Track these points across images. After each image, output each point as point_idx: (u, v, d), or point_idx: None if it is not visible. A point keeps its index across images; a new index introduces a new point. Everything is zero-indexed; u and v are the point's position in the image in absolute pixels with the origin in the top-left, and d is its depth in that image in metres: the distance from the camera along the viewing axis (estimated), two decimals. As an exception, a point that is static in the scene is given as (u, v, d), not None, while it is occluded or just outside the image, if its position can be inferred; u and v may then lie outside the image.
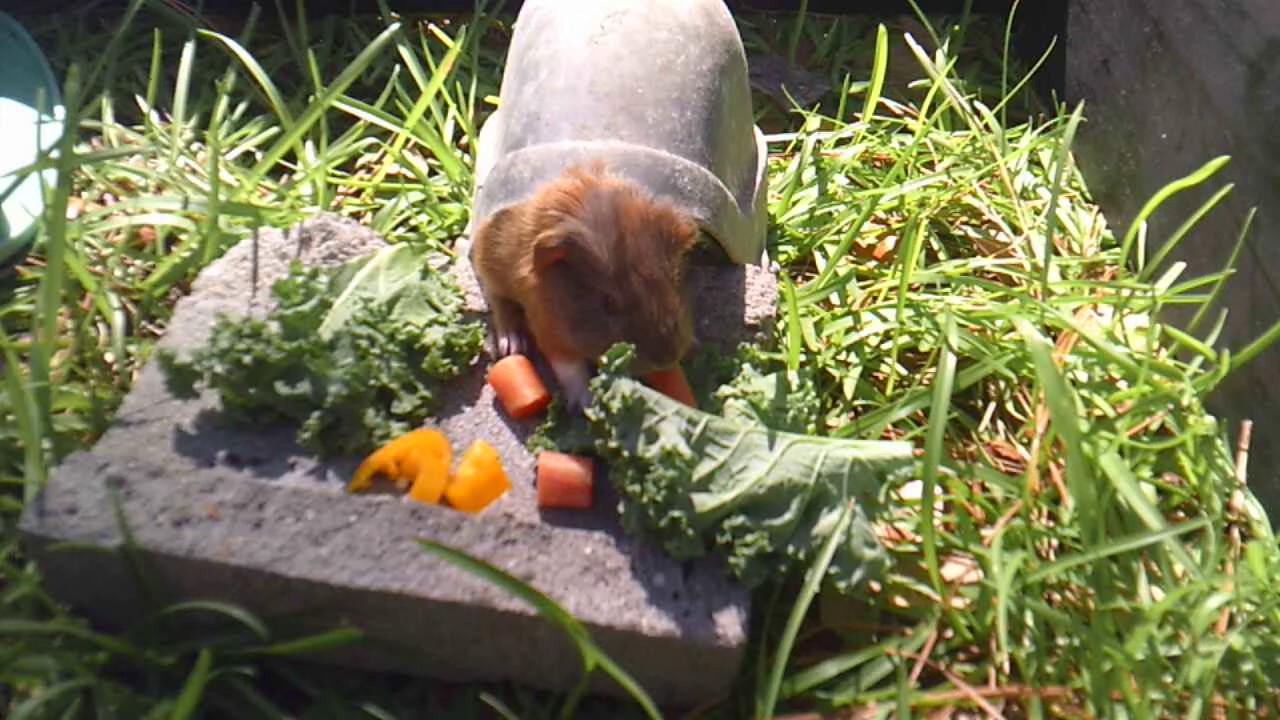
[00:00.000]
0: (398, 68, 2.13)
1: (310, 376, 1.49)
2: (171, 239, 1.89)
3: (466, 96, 2.19)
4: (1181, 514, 1.64)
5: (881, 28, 2.12)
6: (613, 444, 1.36)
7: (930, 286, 1.96)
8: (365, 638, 1.33)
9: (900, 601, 1.51)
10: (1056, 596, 1.49)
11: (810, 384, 1.55)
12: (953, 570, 1.54)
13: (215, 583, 1.31)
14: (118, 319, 1.70)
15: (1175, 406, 1.61)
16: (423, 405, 1.55)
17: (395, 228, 2.00)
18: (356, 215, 2.04)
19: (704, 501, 1.36)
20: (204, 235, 1.76)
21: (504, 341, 1.62)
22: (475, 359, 1.63)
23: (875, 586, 1.50)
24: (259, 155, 2.08)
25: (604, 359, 1.39)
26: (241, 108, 2.22)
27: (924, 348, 1.83)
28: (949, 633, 1.47)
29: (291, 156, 2.13)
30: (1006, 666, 1.42)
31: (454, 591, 1.30)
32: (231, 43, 1.99)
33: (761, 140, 1.96)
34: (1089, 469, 1.35)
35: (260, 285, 1.69)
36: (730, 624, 1.31)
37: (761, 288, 1.72)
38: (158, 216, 1.83)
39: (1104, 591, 1.36)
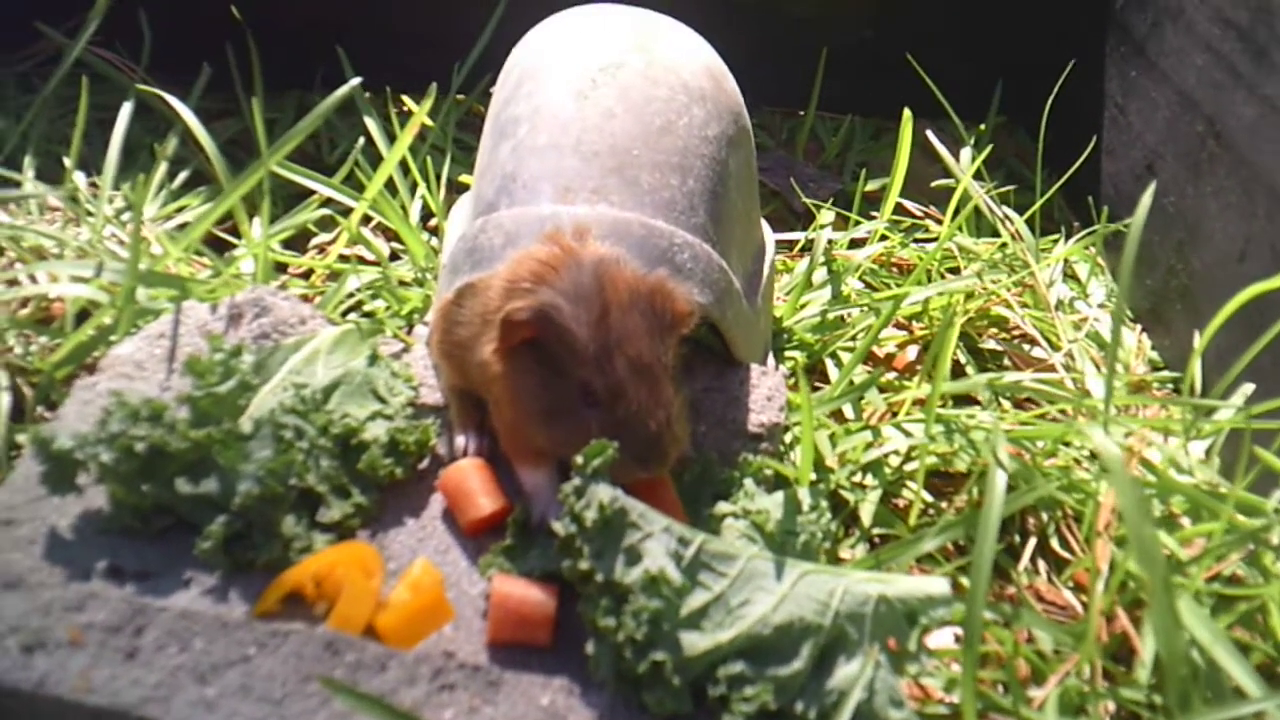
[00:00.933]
0: (361, 140, 1.91)
1: (218, 472, 1.22)
2: (85, 315, 1.64)
3: (439, 177, 1.97)
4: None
5: (907, 112, 1.91)
6: (584, 565, 1.09)
7: (958, 401, 1.71)
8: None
9: (927, 776, 1.22)
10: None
11: (824, 504, 1.29)
12: (993, 740, 1.26)
13: (69, 727, 1.03)
14: (3, 400, 1.44)
15: (1257, 546, 1.35)
16: (355, 514, 1.28)
17: (345, 311, 1.75)
18: (305, 299, 1.79)
19: (695, 642, 1.09)
20: (118, 308, 1.51)
21: (460, 440, 1.36)
22: (425, 461, 1.37)
23: (899, 757, 1.21)
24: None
25: (579, 459, 1.13)
26: (183, 176, 1.99)
27: (955, 470, 1.58)
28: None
29: (236, 233, 1.89)
30: None
31: (372, 750, 1.02)
32: (173, 100, 1.77)
33: (769, 233, 1.73)
34: (1172, 617, 1.08)
35: (177, 367, 1.43)
36: (723, 803, 1.03)
37: (768, 391, 1.47)
38: (69, 286, 1.58)
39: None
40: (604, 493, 1.11)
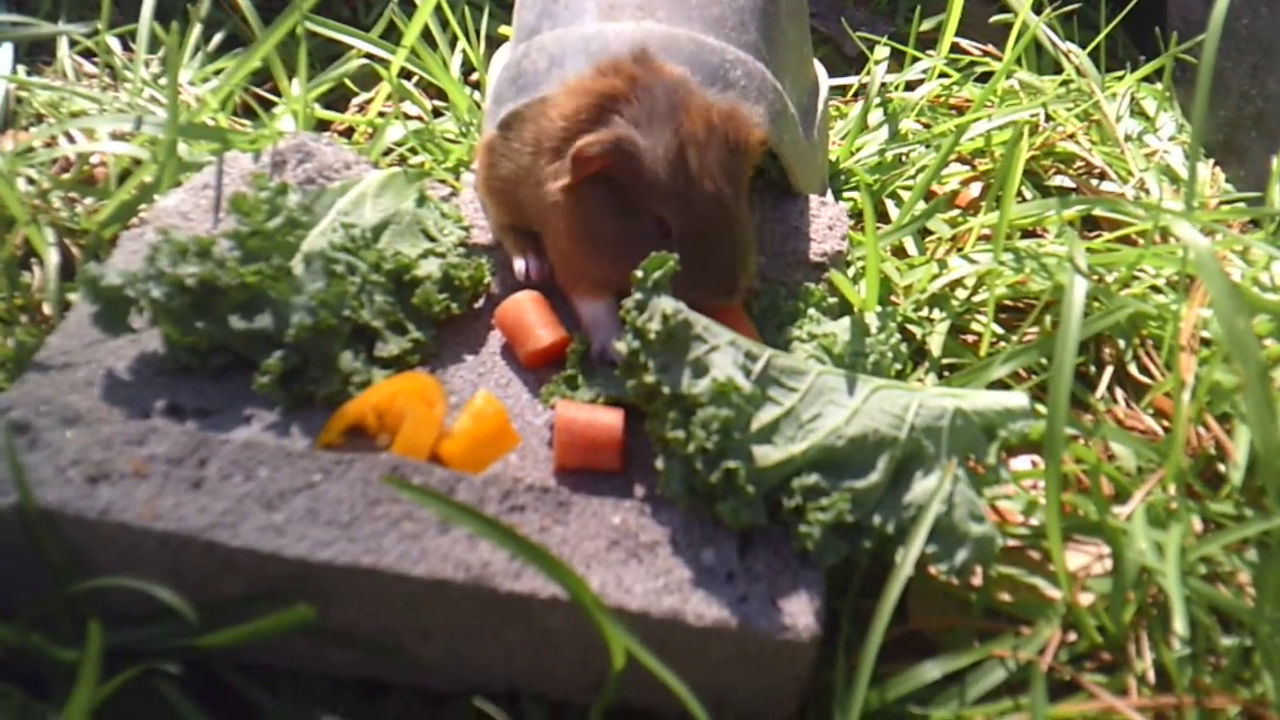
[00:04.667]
0: (398, -8, 1.85)
1: (272, 306, 1.20)
2: (128, 177, 1.60)
3: (478, 33, 1.91)
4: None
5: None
6: (650, 379, 1.05)
7: (1025, 237, 1.65)
8: (331, 631, 1.03)
9: (1005, 597, 1.19)
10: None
11: (893, 325, 1.25)
12: (1073, 560, 1.22)
13: (138, 555, 1.02)
14: (52, 256, 1.41)
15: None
16: (413, 349, 1.25)
17: (388, 159, 1.71)
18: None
19: (766, 454, 1.06)
20: (161, 162, 1.48)
21: (520, 264, 1.32)
22: (480, 300, 1.34)
23: (977, 576, 1.18)
24: (236, 95, 1.79)
25: (639, 273, 1.09)
26: (218, 39, 1.94)
27: (1025, 303, 1.52)
28: (1071, 635, 1.15)
29: (276, 94, 1.85)
30: (1151, 675, 1.11)
31: (443, 568, 1.00)
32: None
33: (823, 73, 1.66)
34: (1269, 408, 1.03)
35: (224, 217, 1.40)
36: (800, 612, 1.01)
37: (829, 220, 1.42)
38: (109, 143, 1.55)
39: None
40: (667, 304, 1.07)
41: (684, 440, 1.03)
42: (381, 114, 1.82)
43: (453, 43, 1.89)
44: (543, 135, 1.23)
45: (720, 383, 1.03)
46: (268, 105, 1.85)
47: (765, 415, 1.08)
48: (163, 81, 1.77)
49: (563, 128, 1.21)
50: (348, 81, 1.85)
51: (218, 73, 1.84)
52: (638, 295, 1.08)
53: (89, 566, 1.03)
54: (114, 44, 1.83)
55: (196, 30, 1.84)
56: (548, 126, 1.23)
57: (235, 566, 1.01)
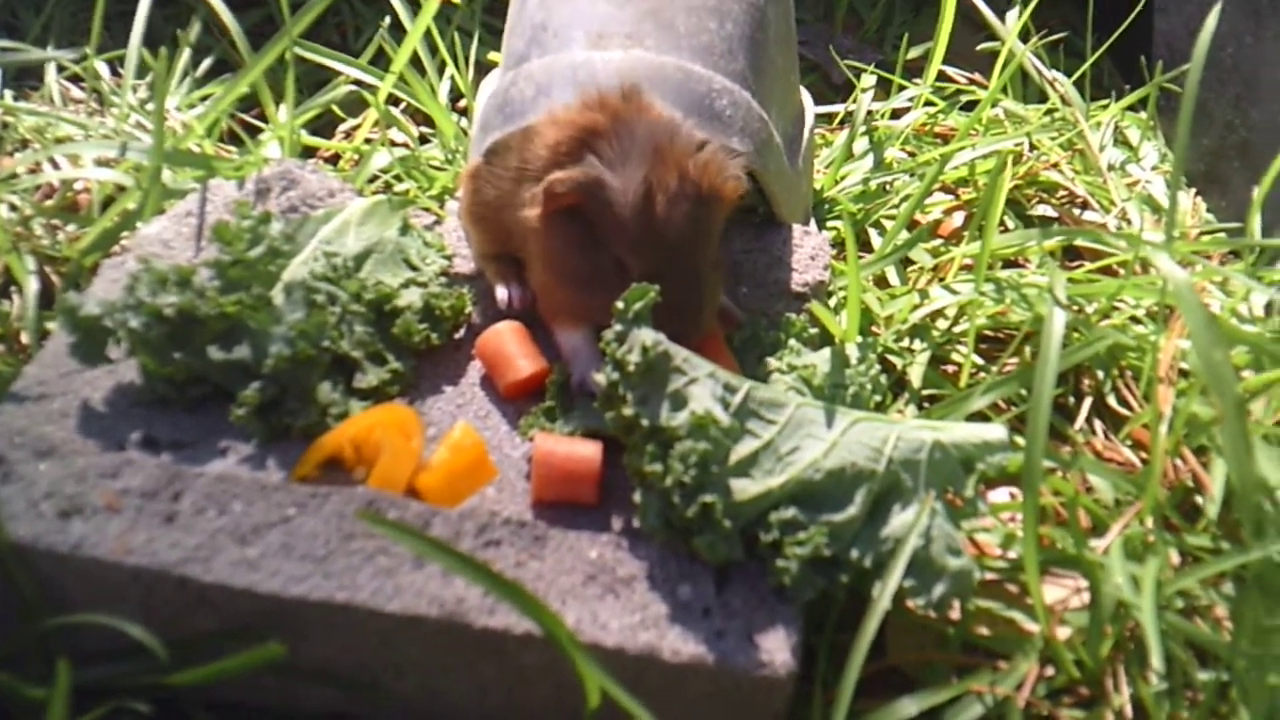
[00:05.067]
0: (387, 19, 1.85)
1: (250, 337, 1.19)
2: (112, 204, 1.60)
3: (467, 59, 1.91)
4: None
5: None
6: (629, 411, 1.05)
7: (1006, 267, 1.65)
8: (304, 668, 1.03)
9: (983, 631, 1.19)
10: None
11: (872, 357, 1.25)
12: (1050, 593, 1.22)
13: (110, 590, 1.02)
14: (31, 285, 1.41)
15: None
16: (392, 380, 1.25)
17: (373, 185, 1.71)
18: (333, 180, 1.75)
19: (744, 488, 1.05)
20: (145, 189, 1.47)
21: (502, 293, 1.32)
22: (461, 330, 1.34)
23: (955, 610, 1.18)
24: (223, 121, 1.79)
25: (620, 304, 1.09)
26: (206, 64, 1.94)
27: (1005, 333, 1.52)
28: (1049, 669, 1.15)
29: (263, 120, 1.85)
30: (1129, 710, 1.10)
31: (417, 604, 1.00)
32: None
33: (809, 100, 1.66)
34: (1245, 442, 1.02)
35: (206, 245, 1.40)
36: (777, 649, 1.01)
37: (811, 250, 1.42)
38: (93, 170, 1.54)
39: (1269, 603, 1.04)
40: (646, 336, 1.07)
41: (662, 473, 1.03)
42: (368, 140, 1.82)
43: (441, 69, 1.89)
44: (526, 163, 1.24)
45: (699, 415, 1.03)
46: (254, 131, 1.85)
47: (743, 448, 1.08)
48: (149, 107, 1.77)
49: (544, 157, 1.21)
50: (335, 108, 1.85)
51: (205, 98, 1.84)
52: (618, 327, 1.08)
53: (60, 601, 1.02)
54: (102, 69, 1.83)
55: (185, 55, 1.84)
56: (531, 155, 1.23)
57: (208, 602, 1.01)
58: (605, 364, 1.08)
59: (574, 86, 1.25)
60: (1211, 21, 1.35)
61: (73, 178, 1.60)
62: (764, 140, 1.33)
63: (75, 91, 1.83)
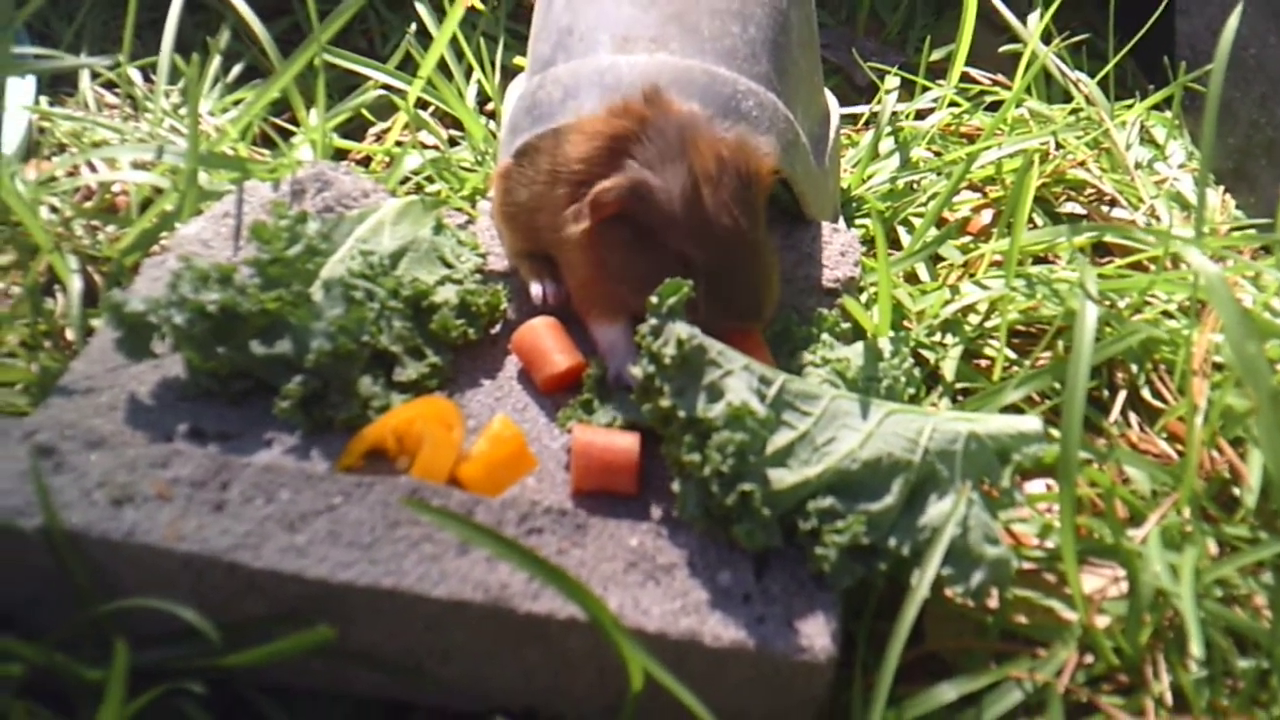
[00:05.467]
0: (413, 25, 1.87)
1: (291, 332, 1.21)
2: (149, 206, 1.63)
3: (493, 64, 1.94)
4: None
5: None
6: (665, 403, 1.07)
7: (1036, 264, 1.66)
8: (352, 652, 1.05)
9: (1021, 619, 1.20)
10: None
11: (906, 350, 1.26)
12: (1089, 583, 1.23)
13: (162, 576, 1.03)
14: (75, 283, 1.43)
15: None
16: (431, 374, 1.27)
17: (405, 186, 1.73)
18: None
19: (782, 478, 1.07)
20: (182, 191, 1.50)
21: (536, 289, 1.34)
22: (497, 326, 1.35)
23: (993, 598, 1.19)
24: (255, 125, 1.82)
25: (653, 299, 1.11)
26: (236, 70, 1.97)
27: (1037, 327, 1.53)
28: (1088, 657, 1.15)
29: (294, 124, 1.87)
30: (1169, 697, 1.11)
31: (463, 589, 1.01)
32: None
33: (833, 101, 1.68)
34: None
35: (244, 245, 1.42)
36: (817, 634, 1.02)
37: (841, 247, 1.43)
38: (130, 172, 1.57)
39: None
40: (681, 329, 1.08)
41: (700, 463, 1.05)
42: (398, 143, 1.84)
43: (468, 73, 1.91)
44: (558, 168, 1.25)
45: (735, 407, 1.05)
46: (286, 135, 1.87)
47: (780, 439, 1.09)
48: (183, 112, 1.80)
49: (578, 170, 1.23)
50: (365, 112, 1.87)
51: (237, 103, 1.87)
52: (653, 320, 1.10)
53: (113, 588, 1.04)
54: (135, 75, 1.85)
55: (216, 62, 1.87)
56: (563, 161, 1.25)
57: (257, 587, 1.03)
58: (641, 357, 1.10)
59: (601, 89, 1.27)
60: (1234, 22, 1.36)
61: (110, 180, 1.63)
62: (790, 140, 1.35)
63: (109, 97, 1.86)
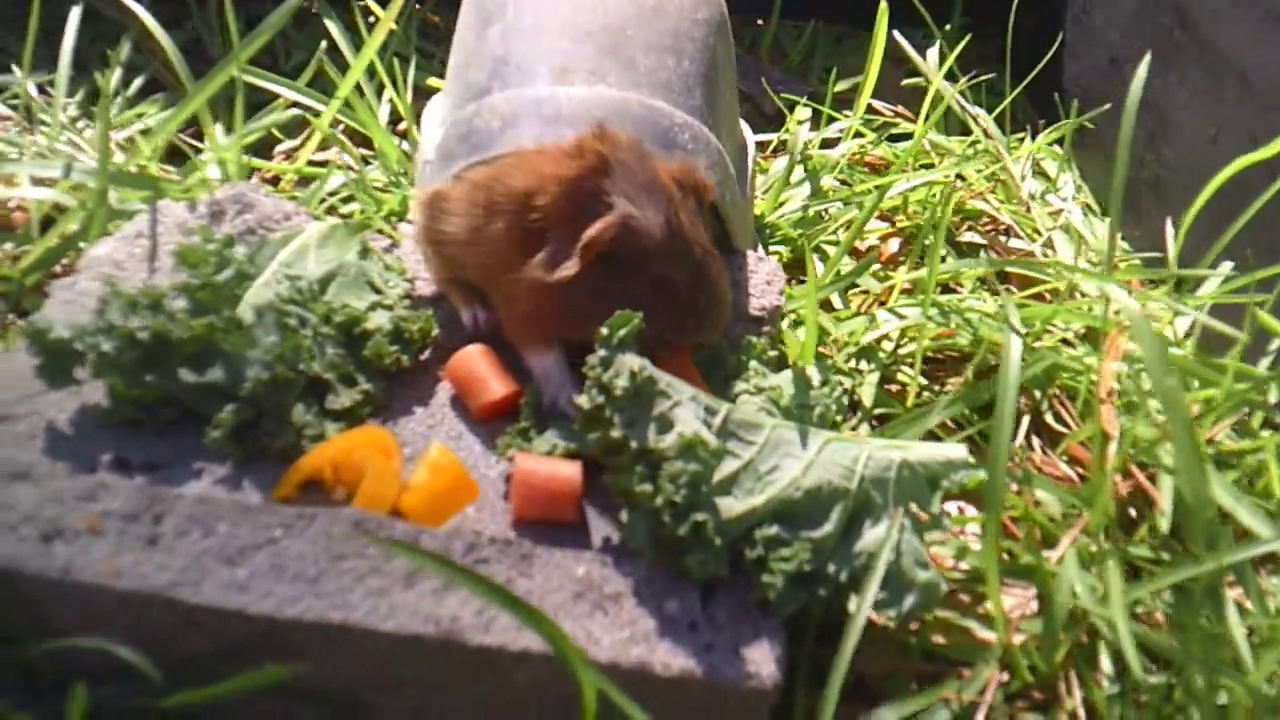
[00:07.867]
0: (324, 43, 1.84)
1: (224, 359, 1.19)
2: (50, 224, 1.57)
3: (405, 83, 1.92)
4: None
5: (883, 4, 1.90)
6: (616, 434, 1.08)
7: (944, 291, 1.72)
8: (297, 687, 1.02)
9: (938, 639, 1.24)
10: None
11: (834, 378, 1.29)
12: (1003, 602, 1.28)
13: (97, 614, 1.00)
14: (-28, 303, 1.38)
15: (1252, 409, 1.39)
16: (364, 401, 1.25)
17: (322, 206, 1.70)
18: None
19: (729, 507, 1.09)
20: (90, 210, 1.45)
21: (468, 315, 1.34)
22: (426, 351, 1.34)
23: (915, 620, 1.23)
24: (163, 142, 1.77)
25: (604, 331, 1.11)
26: (138, 83, 1.91)
27: (947, 355, 1.59)
28: (1004, 675, 1.20)
29: (199, 139, 1.83)
30: (1081, 712, 1.17)
31: (412, 623, 1.01)
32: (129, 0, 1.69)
33: (748, 131, 1.71)
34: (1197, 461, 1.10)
35: (160, 266, 1.38)
36: (763, 661, 1.04)
37: (767, 275, 1.46)
38: (30, 189, 1.51)
39: (1218, 612, 1.12)
40: (633, 361, 1.09)
41: (651, 494, 1.06)
42: (311, 163, 1.81)
43: (379, 92, 1.89)
44: (496, 200, 1.24)
45: (687, 438, 1.06)
46: (190, 151, 1.82)
47: (725, 468, 1.11)
48: (80, 125, 1.74)
49: (534, 214, 1.21)
50: (274, 130, 1.83)
51: (139, 116, 1.81)
52: (602, 352, 1.11)
53: (43, 626, 1.00)
54: (30, 88, 1.78)
55: (116, 75, 1.81)
56: (503, 194, 1.23)
57: (197, 624, 1.00)
58: (589, 387, 1.11)
59: (539, 120, 1.28)
60: (1142, 71, 1.44)
61: (6, 197, 1.56)
62: (723, 171, 1.38)
63: (2, 108, 1.79)
